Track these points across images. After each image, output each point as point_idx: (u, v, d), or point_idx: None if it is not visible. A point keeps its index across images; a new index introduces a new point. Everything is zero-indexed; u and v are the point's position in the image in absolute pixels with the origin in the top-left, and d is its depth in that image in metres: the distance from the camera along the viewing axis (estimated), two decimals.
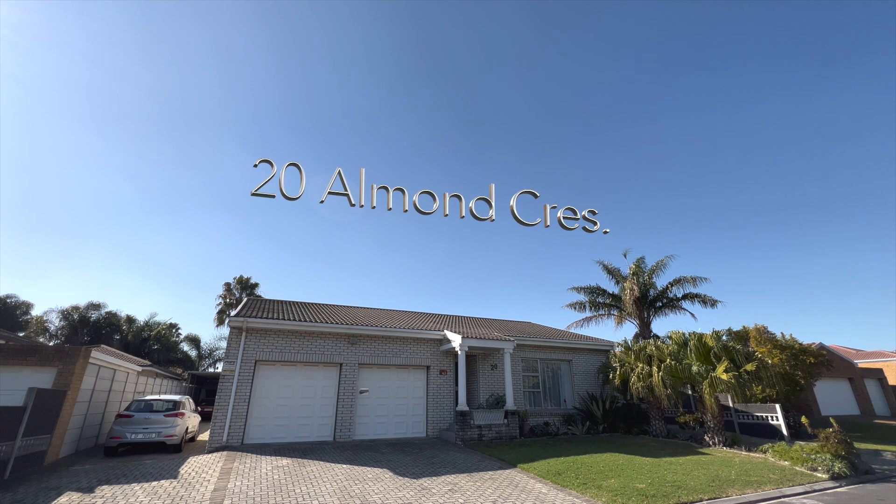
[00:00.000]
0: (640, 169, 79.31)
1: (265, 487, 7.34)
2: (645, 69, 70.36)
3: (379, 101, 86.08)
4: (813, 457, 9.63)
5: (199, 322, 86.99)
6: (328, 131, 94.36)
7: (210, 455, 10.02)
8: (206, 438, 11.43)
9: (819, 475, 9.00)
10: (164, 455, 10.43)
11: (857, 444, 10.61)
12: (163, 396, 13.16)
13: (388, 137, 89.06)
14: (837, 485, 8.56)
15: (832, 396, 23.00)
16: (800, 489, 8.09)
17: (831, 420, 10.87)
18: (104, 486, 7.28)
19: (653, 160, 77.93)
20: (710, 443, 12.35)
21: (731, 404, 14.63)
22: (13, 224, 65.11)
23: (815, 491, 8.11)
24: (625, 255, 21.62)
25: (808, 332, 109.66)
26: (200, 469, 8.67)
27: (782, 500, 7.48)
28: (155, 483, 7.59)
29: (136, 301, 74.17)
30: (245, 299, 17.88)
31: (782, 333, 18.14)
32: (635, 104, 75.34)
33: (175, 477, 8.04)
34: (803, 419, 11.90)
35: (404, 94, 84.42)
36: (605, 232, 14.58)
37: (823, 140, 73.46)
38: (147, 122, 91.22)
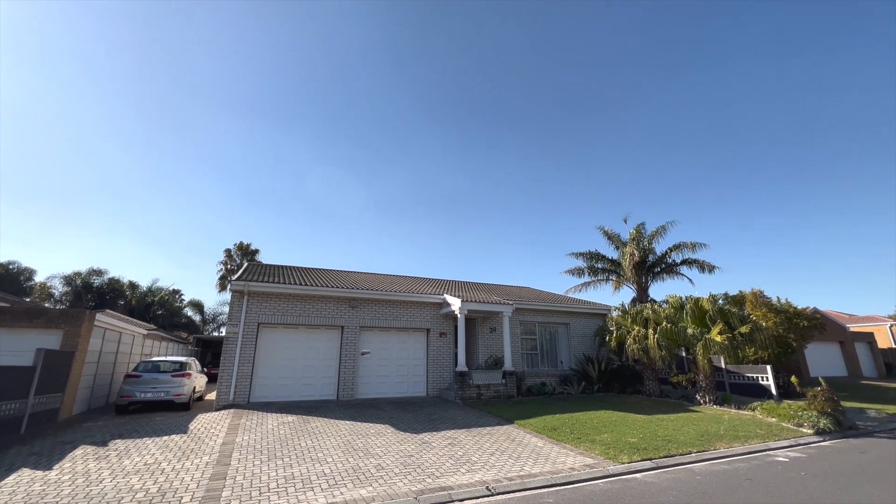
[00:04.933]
0: (643, 131, 77.61)
1: (272, 441, 7.63)
2: (649, 23, 67.33)
3: (379, 68, 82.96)
4: (800, 414, 9.98)
5: (202, 288, 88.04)
6: (327, 99, 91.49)
7: (218, 412, 10.38)
8: (214, 398, 11.81)
9: (805, 430, 9.37)
10: (173, 413, 10.80)
11: (843, 403, 10.97)
12: (169, 358, 13.49)
13: (389, 105, 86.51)
14: (822, 439, 8.92)
15: (822, 358, 23.60)
16: (785, 443, 8.42)
17: (820, 380, 11.19)
18: (117, 441, 7.58)
19: (657, 122, 76.12)
20: (702, 401, 12.77)
21: (723, 366, 15.03)
22: (13, 191, 64.36)
23: (799, 445, 8.45)
24: (625, 221, 21.53)
25: (807, 298, 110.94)
26: (209, 425, 9.00)
27: (767, 452, 7.81)
28: (166, 437, 7.89)
29: (137, 268, 74.75)
30: (246, 264, 17.95)
31: (778, 298, 18.42)
32: (641, 59, 72.68)
33: (185, 432, 8.35)
34: (793, 379, 12.26)
35: (404, 61, 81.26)
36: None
37: (821, 97, 71.53)
38: (147, 88, 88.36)
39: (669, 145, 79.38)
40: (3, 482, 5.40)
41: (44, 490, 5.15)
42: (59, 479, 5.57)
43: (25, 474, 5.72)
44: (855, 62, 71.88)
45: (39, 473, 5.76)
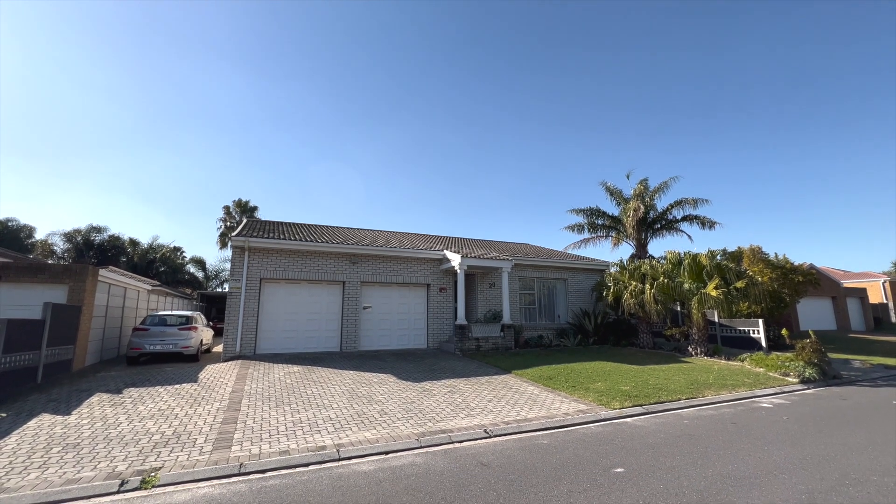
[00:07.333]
0: (645, 83, 74.51)
1: (279, 389, 7.96)
2: None
3: (382, 14, 77.98)
4: (787, 364, 10.35)
5: (202, 245, 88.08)
6: (330, 46, 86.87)
7: (225, 363, 10.75)
8: (221, 350, 12.18)
9: (790, 380, 9.75)
10: (182, 364, 11.17)
11: (830, 355, 11.35)
12: (175, 312, 13.77)
13: (392, 53, 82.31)
14: (806, 387, 9.31)
15: (813, 313, 24.17)
16: (770, 391, 8.80)
17: (810, 333, 11.51)
18: (131, 389, 7.90)
19: (659, 73, 72.90)
20: (694, 353, 13.20)
21: (716, 319, 15.40)
22: (10, 147, 62.72)
23: (784, 392, 8.83)
24: (627, 177, 21.31)
25: (807, 256, 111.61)
26: (218, 375, 9.35)
27: (753, 399, 8.18)
28: (177, 386, 8.22)
29: (136, 225, 74.46)
30: (245, 221, 17.88)
31: (776, 254, 18.56)
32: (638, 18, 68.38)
33: (195, 381, 8.69)
34: (783, 332, 12.60)
35: (407, 7, 76.22)
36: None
37: (821, 44, 68.10)
38: (144, 43, 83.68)
39: (672, 92, 76.51)
40: (26, 425, 5.68)
41: (65, 433, 5.43)
42: (79, 422, 5.86)
43: (46, 419, 6.01)
44: (859, 10, 67.63)
45: (59, 418, 6.05)
